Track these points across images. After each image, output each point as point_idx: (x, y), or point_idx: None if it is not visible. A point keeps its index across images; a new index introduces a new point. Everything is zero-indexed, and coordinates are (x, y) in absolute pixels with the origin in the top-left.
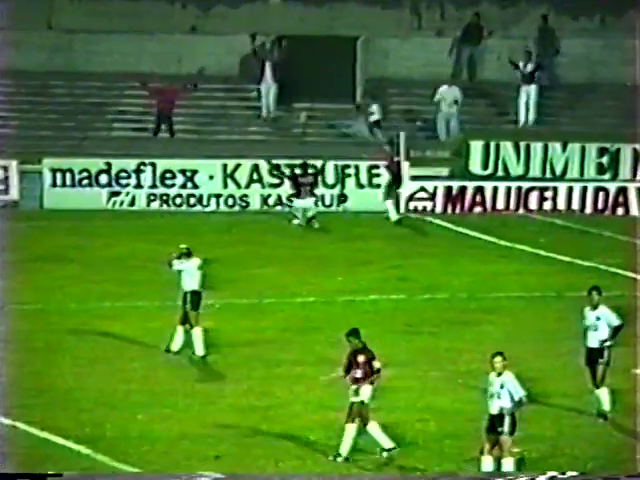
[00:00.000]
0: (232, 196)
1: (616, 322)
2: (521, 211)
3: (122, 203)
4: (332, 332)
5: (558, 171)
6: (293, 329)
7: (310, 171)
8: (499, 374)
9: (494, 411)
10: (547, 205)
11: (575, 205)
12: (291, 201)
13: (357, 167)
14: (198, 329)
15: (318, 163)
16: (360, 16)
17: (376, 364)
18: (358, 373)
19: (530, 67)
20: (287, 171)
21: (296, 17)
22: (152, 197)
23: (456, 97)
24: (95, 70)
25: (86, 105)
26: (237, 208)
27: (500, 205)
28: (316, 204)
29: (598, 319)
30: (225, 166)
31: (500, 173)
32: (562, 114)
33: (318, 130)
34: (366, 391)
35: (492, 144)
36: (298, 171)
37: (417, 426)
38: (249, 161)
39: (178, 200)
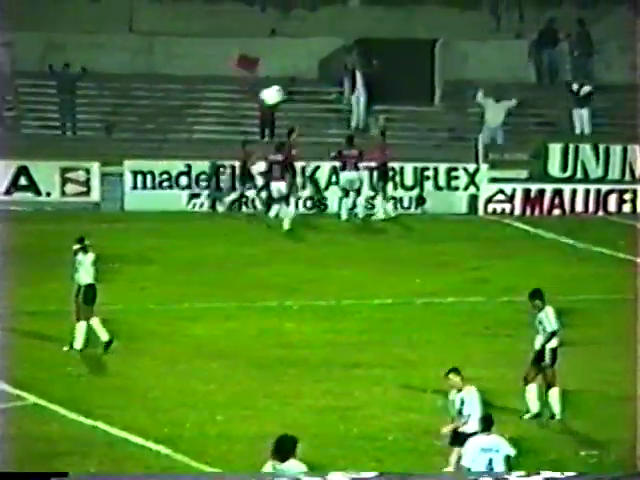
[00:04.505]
0: (311, 198)
1: (552, 327)
2: (600, 213)
3: (202, 205)
4: (410, 334)
5: (638, 173)
6: (371, 331)
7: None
8: (459, 390)
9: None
10: (626, 208)
11: None
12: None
13: (436, 169)
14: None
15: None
16: (438, 18)
17: None
18: None
19: (586, 90)
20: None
21: (375, 19)
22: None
23: (504, 111)
24: (175, 73)
25: (167, 107)
26: (315, 210)
27: (579, 208)
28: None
29: (540, 322)
30: (304, 168)
31: (579, 175)
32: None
33: (396, 132)
34: None
35: (571, 146)
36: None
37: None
38: (328, 163)
39: (256, 202)
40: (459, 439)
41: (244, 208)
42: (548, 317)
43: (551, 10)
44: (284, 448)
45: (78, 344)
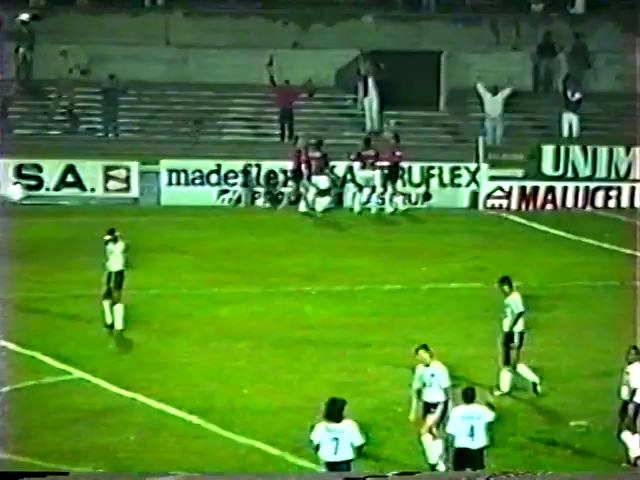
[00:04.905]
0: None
1: (519, 309)
2: (588, 208)
3: (230, 200)
4: (417, 316)
5: (622, 172)
6: (382, 314)
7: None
8: (427, 365)
9: (428, 399)
10: (612, 203)
11: (637, 203)
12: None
13: (440, 168)
14: (120, 305)
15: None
16: (444, 33)
17: None
18: None
19: (577, 96)
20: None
21: (386, 34)
22: (257, 195)
23: (501, 101)
24: (207, 81)
25: (199, 112)
26: (332, 205)
27: (569, 203)
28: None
29: (507, 306)
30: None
31: (569, 174)
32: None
33: (405, 135)
34: None
35: (562, 148)
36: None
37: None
38: (344, 162)
39: (280, 197)
40: (427, 408)
41: (268, 204)
42: (515, 301)
43: (544, 26)
44: (336, 409)
45: (118, 324)
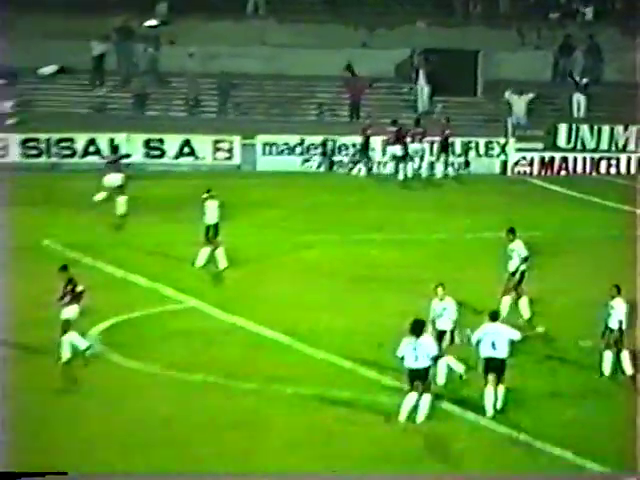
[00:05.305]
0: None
1: (524, 254)
2: (594, 174)
3: (311, 167)
4: (459, 260)
5: (620, 145)
6: (432, 257)
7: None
8: (441, 299)
9: (440, 327)
10: (612, 170)
11: (633, 170)
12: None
13: (477, 142)
14: (221, 249)
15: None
16: (481, 36)
17: None
18: None
19: (584, 81)
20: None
21: (435, 36)
22: (333, 163)
23: (525, 102)
24: (295, 74)
25: (288, 98)
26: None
27: (579, 170)
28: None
29: (512, 251)
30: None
31: (579, 147)
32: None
33: (450, 116)
34: None
35: (574, 126)
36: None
37: None
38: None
39: (350, 165)
40: (439, 335)
41: (340, 170)
42: (519, 247)
43: (560, 30)
44: (418, 327)
45: (222, 264)
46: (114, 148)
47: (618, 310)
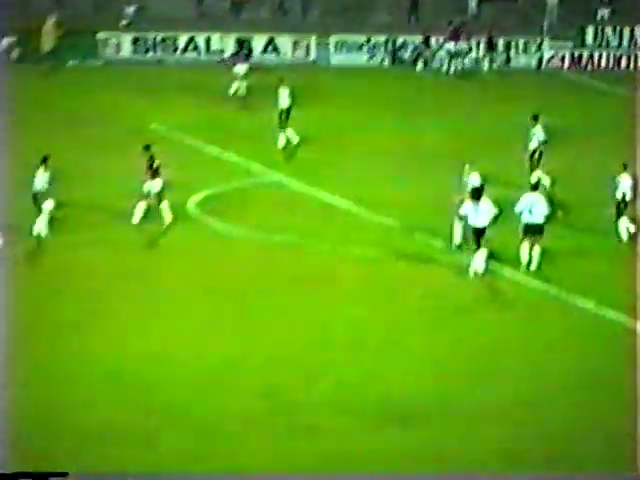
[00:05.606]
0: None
1: (543, 138)
2: (615, 69)
3: (375, 62)
4: (493, 143)
5: (638, 45)
6: (472, 140)
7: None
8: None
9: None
10: (631, 66)
11: None
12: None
13: (517, 41)
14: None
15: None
16: None
17: None
18: None
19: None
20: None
21: None
22: (395, 58)
23: None
24: None
25: (358, 2)
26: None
27: (603, 65)
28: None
29: (534, 134)
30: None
31: (604, 45)
32: None
33: (495, 19)
34: None
35: (599, 27)
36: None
37: None
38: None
39: (411, 60)
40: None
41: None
42: (539, 131)
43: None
44: (478, 193)
45: (294, 140)
46: (240, 44)
47: (624, 184)
